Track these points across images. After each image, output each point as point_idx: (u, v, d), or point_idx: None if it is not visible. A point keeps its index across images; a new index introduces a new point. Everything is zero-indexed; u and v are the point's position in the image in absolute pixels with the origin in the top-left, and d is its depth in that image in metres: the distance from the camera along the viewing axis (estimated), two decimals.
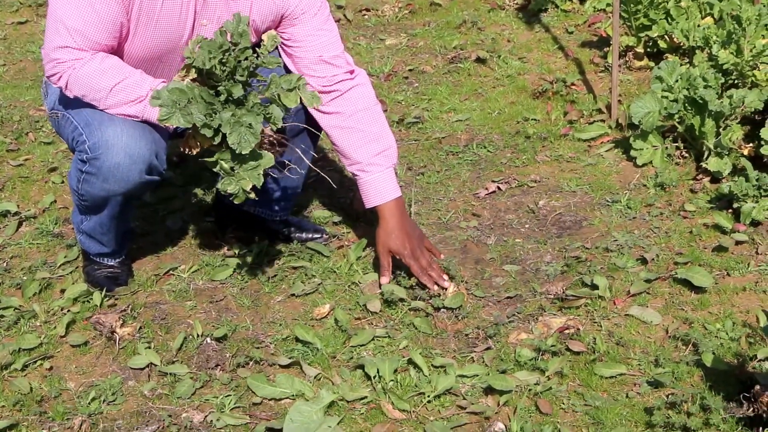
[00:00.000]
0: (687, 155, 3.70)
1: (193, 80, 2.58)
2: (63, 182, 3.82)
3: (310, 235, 3.36)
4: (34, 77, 4.88)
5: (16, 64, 5.13)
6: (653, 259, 3.12)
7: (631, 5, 4.42)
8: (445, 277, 3.01)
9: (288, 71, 3.00)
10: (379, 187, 3.02)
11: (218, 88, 2.52)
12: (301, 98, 2.63)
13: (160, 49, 2.81)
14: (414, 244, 3.02)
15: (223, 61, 2.49)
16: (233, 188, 2.56)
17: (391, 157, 3.06)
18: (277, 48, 2.80)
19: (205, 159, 2.60)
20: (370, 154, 3.01)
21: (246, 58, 2.52)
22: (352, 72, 3.03)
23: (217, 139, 2.51)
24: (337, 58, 2.99)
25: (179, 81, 2.59)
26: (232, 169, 2.55)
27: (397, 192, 3.06)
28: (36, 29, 5.52)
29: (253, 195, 2.60)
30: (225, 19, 2.66)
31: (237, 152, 2.49)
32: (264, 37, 2.65)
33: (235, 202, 2.60)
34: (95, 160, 2.71)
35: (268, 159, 2.59)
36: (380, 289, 3.02)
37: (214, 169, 2.59)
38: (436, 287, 2.99)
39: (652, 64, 4.47)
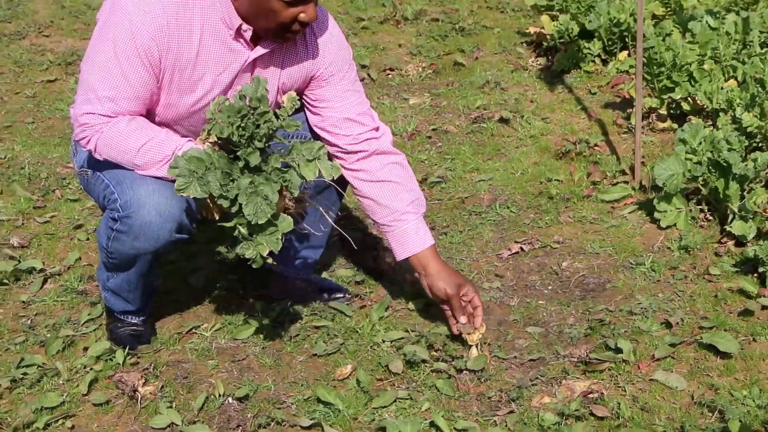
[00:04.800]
0: (711, 218, 3.69)
1: (214, 143, 2.60)
2: (88, 239, 3.84)
3: (332, 295, 3.35)
4: (62, 135, 4.93)
5: (44, 121, 5.18)
6: (678, 323, 3.10)
7: (654, 67, 4.44)
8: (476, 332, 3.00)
9: (312, 131, 3.02)
10: (415, 235, 3.03)
11: (237, 153, 2.54)
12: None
13: (189, 112, 2.84)
14: (461, 280, 3.02)
15: (242, 126, 2.50)
16: (251, 253, 2.57)
17: (422, 205, 3.09)
18: (301, 107, 2.82)
19: (224, 224, 2.61)
20: (404, 202, 3.02)
21: (265, 122, 2.54)
22: (377, 129, 3.05)
23: (235, 208, 2.52)
24: (364, 115, 3.02)
25: (200, 144, 2.62)
26: (250, 234, 2.56)
27: (432, 239, 3.07)
28: (65, 87, 5.59)
29: (270, 260, 2.61)
30: None
31: (253, 223, 2.50)
32: (284, 98, 2.67)
33: (253, 266, 2.61)
34: (127, 218, 2.73)
35: (287, 223, 2.59)
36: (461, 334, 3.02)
37: (233, 234, 2.60)
38: (471, 335, 2.99)
39: (675, 126, 4.48)
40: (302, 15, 2.65)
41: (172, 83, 2.75)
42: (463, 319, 3.00)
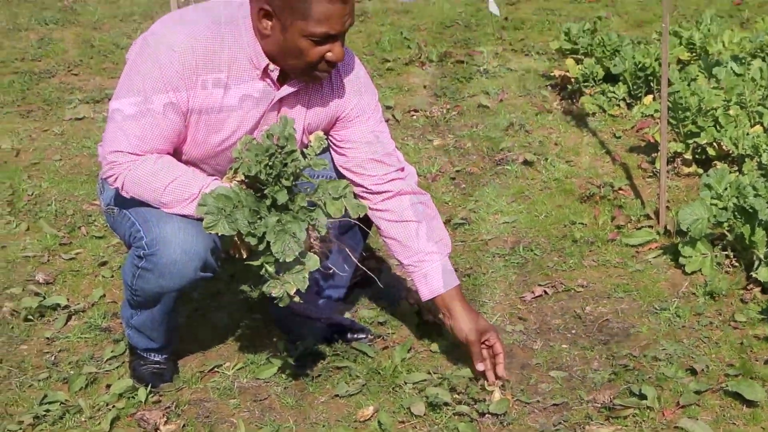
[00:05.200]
0: (737, 264, 3.67)
1: (241, 182, 2.61)
2: (113, 276, 3.86)
3: (355, 335, 3.35)
4: (88, 172, 4.97)
5: (71, 159, 5.23)
6: (703, 370, 3.07)
7: (680, 112, 4.44)
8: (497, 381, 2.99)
9: (337, 171, 3.04)
10: (440, 275, 3.03)
11: (264, 191, 2.55)
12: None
13: (215, 151, 2.86)
14: (483, 326, 3.02)
15: (269, 164, 2.52)
16: (277, 292, 2.58)
17: (448, 246, 3.09)
18: (327, 147, 2.83)
19: (251, 262, 2.61)
20: (429, 243, 3.03)
21: (292, 161, 2.55)
22: (402, 169, 3.05)
23: (262, 246, 2.53)
24: (389, 156, 3.03)
25: (227, 182, 2.63)
26: (276, 272, 2.57)
27: (457, 280, 3.07)
28: (92, 126, 5.64)
29: (297, 298, 2.61)
30: None
31: (281, 261, 2.50)
32: (311, 138, 2.69)
33: (280, 305, 2.61)
34: (152, 256, 2.74)
35: (314, 262, 2.60)
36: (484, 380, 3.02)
37: (260, 272, 2.60)
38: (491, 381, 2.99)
39: (700, 171, 4.47)
40: (329, 54, 2.67)
41: (200, 122, 2.77)
42: (480, 367, 2.99)
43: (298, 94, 2.85)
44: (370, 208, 3.00)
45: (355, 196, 2.82)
